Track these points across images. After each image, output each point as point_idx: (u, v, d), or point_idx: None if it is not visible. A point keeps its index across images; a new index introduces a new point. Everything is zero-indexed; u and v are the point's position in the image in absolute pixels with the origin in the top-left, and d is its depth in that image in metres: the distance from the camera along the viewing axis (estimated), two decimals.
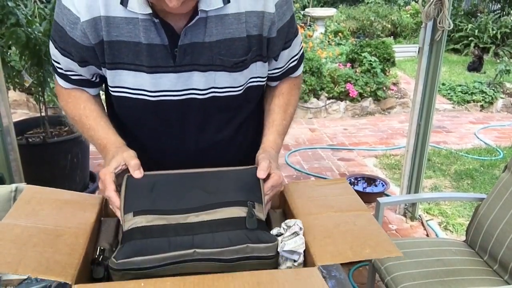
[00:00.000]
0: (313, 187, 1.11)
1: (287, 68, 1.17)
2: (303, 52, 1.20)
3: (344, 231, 0.90)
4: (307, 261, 0.88)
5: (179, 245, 0.85)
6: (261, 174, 0.96)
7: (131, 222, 0.88)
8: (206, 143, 1.13)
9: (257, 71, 1.09)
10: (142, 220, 0.88)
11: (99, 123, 1.08)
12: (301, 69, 1.22)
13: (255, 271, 0.83)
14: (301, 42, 1.19)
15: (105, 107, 1.18)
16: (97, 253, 0.90)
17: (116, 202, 0.91)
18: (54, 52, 1.06)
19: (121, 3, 0.94)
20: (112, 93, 1.06)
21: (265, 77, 1.13)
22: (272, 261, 0.88)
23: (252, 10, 1.00)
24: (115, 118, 1.14)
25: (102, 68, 1.04)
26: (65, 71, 1.08)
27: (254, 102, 1.17)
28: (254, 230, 0.88)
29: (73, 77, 1.09)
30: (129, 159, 0.96)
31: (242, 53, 1.02)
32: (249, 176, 0.97)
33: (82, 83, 1.10)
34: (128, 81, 1.02)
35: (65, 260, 0.81)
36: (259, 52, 1.05)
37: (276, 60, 1.13)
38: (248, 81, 1.09)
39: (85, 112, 1.09)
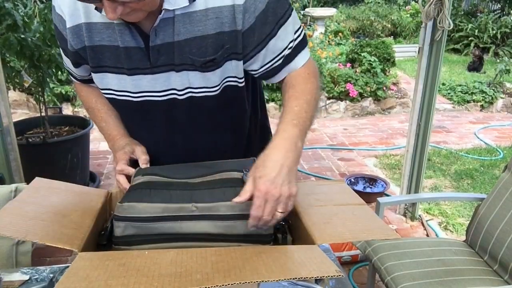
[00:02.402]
0: (313, 186, 1.16)
1: (280, 60, 1.04)
2: (302, 40, 1.05)
3: (343, 218, 0.95)
4: (307, 243, 0.90)
5: (179, 197, 0.92)
6: (237, 199, 0.88)
7: (138, 180, 0.99)
8: (193, 145, 1.14)
9: (232, 70, 1.04)
10: (148, 178, 0.99)
11: (110, 116, 1.18)
12: (303, 56, 1.06)
13: (256, 245, 0.90)
14: (297, 31, 1.04)
15: None
16: (105, 226, 0.98)
17: (122, 180, 1.06)
18: (60, 51, 1.15)
19: (96, 9, 0.96)
20: (104, 95, 1.11)
21: (241, 78, 1.07)
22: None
23: (221, 5, 0.95)
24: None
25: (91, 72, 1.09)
26: (68, 68, 1.17)
27: (236, 102, 1.12)
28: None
29: (76, 76, 1.18)
30: (140, 153, 1.10)
31: (212, 51, 0.98)
32: (247, 162, 1.02)
33: (86, 81, 1.18)
34: (113, 83, 1.06)
35: (72, 233, 0.86)
36: (233, 50, 0.99)
37: (260, 52, 1.01)
38: (224, 81, 1.05)
39: (96, 106, 1.19)
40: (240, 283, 0.69)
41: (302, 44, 1.05)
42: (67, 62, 1.14)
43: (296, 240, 0.98)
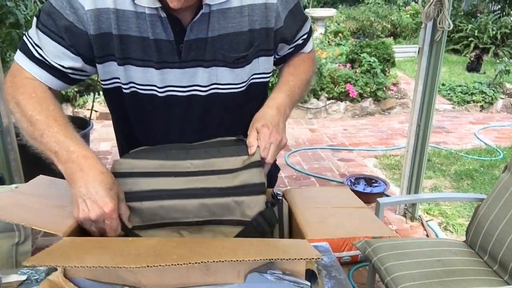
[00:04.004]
0: (316, 191, 1.14)
1: (292, 49, 1.16)
2: (310, 30, 1.18)
3: (340, 219, 0.93)
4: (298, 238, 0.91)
5: (175, 156, 0.95)
6: (250, 151, 0.97)
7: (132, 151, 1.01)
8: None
9: (260, 66, 1.07)
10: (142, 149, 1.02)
11: (71, 131, 0.94)
12: (310, 46, 1.20)
13: (242, 238, 0.90)
14: (310, 23, 1.18)
15: (110, 109, 1.16)
16: None
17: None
18: (38, 35, 0.97)
19: None
20: (124, 90, 1.03)
21: (269, 73, 1.11)
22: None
23: (253, 3, 0.99)
24: (120, 119, 1.13)
25: (98, 65, 0.99)
26: (46, 57, 0.97)
27: (257, 100, 1.13)
28: (242, 144, 0.98)
29: (49, 63, 0.98)
30: (123, 206, 0.90)
31: (243, 48, 1.01)
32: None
33: (55, 73, 0.99)
34: (137, 77, 1.01)
35: (61, 220, 0.85)
36: (263, 46, 1.04)
37: (289, 44, 1.13)
38: (251, 78, 1.07)
39: (54, 113, 0.94)
40: (215, 261, 0.69)
41: (310, 34, 1.18)
42: (52, 47, 0.96)
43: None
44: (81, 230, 0.88)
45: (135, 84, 1.02)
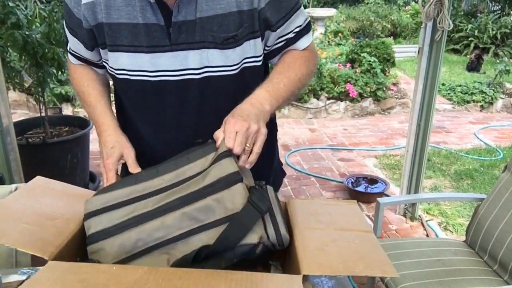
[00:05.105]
0: (320, 205, 1.05)
1: (282, 42, 1.10)
2: (306, 25, 1.11)
3: (340, 246, 0.85)
4: (293, 270, 0.83)
5: (145, 177, 0.93)
6: (217, 143, 0.93)
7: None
8: (205, 130, 1.09)
9: (251, 50, 1.06)
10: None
11: (99, 102, 1.14)
12: (304, 42, 1.12)
13: (229, 270, 0.78)
14: (305, 17, 1.11)
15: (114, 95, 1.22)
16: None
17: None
18: (66, 31, 1.13)
19: None
20: (116, 75, 1.08)
21: (260, 55, 1.09)
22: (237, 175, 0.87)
23: None
24: (119, 105, 1.20)
25: (101, 50, 1.07)
26: (73, 50, 1.16)
27: (253, 86, 1.11)
28: (209, 144, 0.94)
29: (80, 56, 1.16)
30: (128, 158, 1.05)
31: (233, 29, 1.01)
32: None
33: (88, 63, 1.17)
34: (127, 63, 1.04)
35: (49, 239, 0.82)
36: (251, 29, 1.03)
37: (274, 32, 1.08)
38: (243, 61, 1.06)
39: (88, 90, 1.15)
40: None
41: (305, 29, 1.11)
42: (72, 41, 1.13)
43: (285, 266, 0.93)
44: (69, 249, 0.86)
45: (126, 71, 1.06)
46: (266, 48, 1.11)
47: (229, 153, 0.89)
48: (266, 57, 1.13)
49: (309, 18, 1.13)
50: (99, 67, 1.17)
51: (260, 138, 0.94)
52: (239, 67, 1.06)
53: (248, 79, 1.08)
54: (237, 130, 0.91)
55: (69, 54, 1.19)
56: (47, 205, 0.94)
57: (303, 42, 1.12)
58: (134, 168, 1.03)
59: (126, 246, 0.86)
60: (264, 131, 0.95)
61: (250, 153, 0.93)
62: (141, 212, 0.87)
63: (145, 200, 0.89)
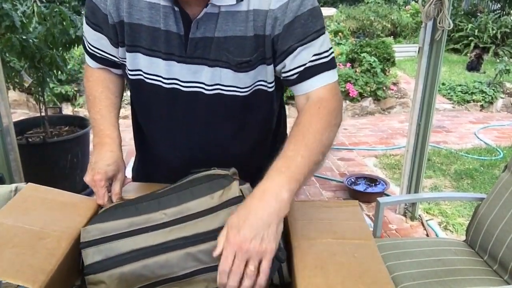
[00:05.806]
0: (320, 208, 1.01)
1: (297, 74, 1.00)
2: (324, 62, 0.99)
3: (340, 263, 0.83)
4: None
5: (146, 208, 0.89)
6: (214, 252, 0.80)
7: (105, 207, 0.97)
8: (214, 137, 1.12)
9: (263, 74, 1.05)
10: (116, 203, 0.98)
11: (110, 112, 1.13)
12: (320, 82, 0.99)
13: None
14: (323, 53, 0.99)
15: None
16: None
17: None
18: (86, 29, 1.10)
19: None
20: (130, 76, 1.08)
21: (271, 82, 1.07)
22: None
23: (259, 9, 0.97)
24: (133, 110, 1.19)
25: (120, 48, 1.06)
26: (94, 48, 1.11)
27: (262, 109, 1.12)
28: (214, 179, 0.91)
29: (100, 55, 1.12)
30: (117, 183, 1.05)
31: (248, 53, 1.00)
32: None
33: (108, 63, 1.13)
34: (144, 65, 1.04)
35: (40, 265, 0.79)
36: (263, 54, 1.01)
37: (286, 58, 0.99)
38: (256, 83, 1.06)
39: (100, 96, 1.14)
40: None
41: (323, 66, 0.99)
42: (96, 37, 1.08)
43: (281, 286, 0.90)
44: (61, 273, 0.82)
45: (142, 72, 1.05)
46: (282, 76, 1.04)
47: (241, 198, 0.87)
48: (281, 86, 1.10)
49: (331, 55, 1.00)
50: (118, 67, 1.14)
51: (265, 262, 0.79)
52: (251, 89, 1.06)
53: (258, 100, 1.08)
54: (236, 252, 0.77)
55: (87, 57, 1.16)
56: (36, 219, 0.90)
57: (318, 80, 0.98)
58: (115, 195, 1.03)
59: (128, 280, 0.84)
60: (269, 249, 0.78)
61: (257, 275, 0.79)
62: (143, 246, 0.85)
63: (147, 233, 0.86)
